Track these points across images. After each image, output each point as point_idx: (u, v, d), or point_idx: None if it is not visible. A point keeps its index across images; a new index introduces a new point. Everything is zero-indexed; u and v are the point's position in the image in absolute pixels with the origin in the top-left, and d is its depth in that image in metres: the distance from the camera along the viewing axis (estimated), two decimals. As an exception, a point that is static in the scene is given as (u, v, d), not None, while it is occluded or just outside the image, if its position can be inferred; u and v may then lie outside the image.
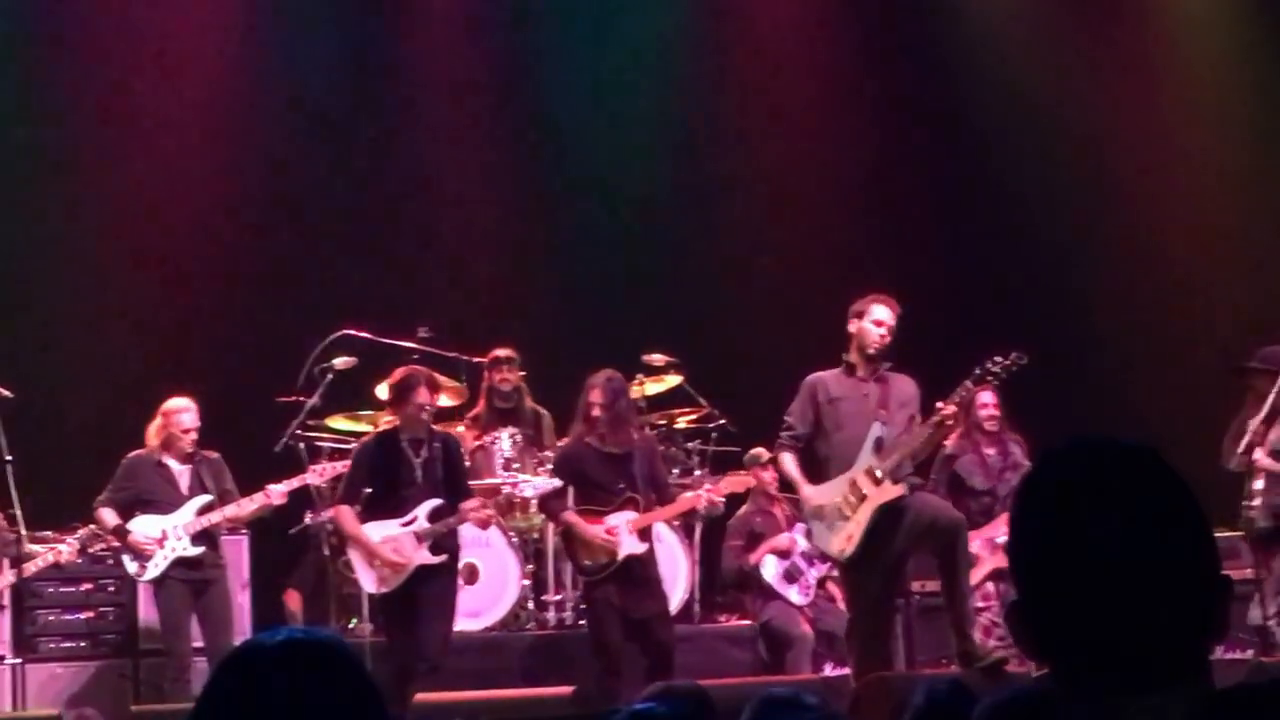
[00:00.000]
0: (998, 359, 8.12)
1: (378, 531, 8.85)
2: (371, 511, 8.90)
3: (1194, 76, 13.11)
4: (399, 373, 9.19)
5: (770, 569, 10.36)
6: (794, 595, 10.33)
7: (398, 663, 8.58)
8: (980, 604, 9.75)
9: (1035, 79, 12.93)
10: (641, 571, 8.93)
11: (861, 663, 8.16)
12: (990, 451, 9.92)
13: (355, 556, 8.96)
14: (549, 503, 9.29)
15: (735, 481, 10.00)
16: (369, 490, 8.86)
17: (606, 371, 9.13)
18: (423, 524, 8.87)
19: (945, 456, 9.85)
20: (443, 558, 8.90)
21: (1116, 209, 12.90)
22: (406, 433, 8.96)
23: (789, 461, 8.43)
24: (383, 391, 9.80)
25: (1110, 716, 1.76)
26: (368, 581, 8.94)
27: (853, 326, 8.40)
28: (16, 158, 11.88)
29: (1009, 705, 2.72)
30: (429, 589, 8.86)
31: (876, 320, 8.31)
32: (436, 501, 8.96)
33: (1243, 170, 12.86)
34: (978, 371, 8.17)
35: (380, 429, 9.43)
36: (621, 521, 8.87)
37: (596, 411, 8.92)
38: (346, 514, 8.96)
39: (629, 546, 8.86)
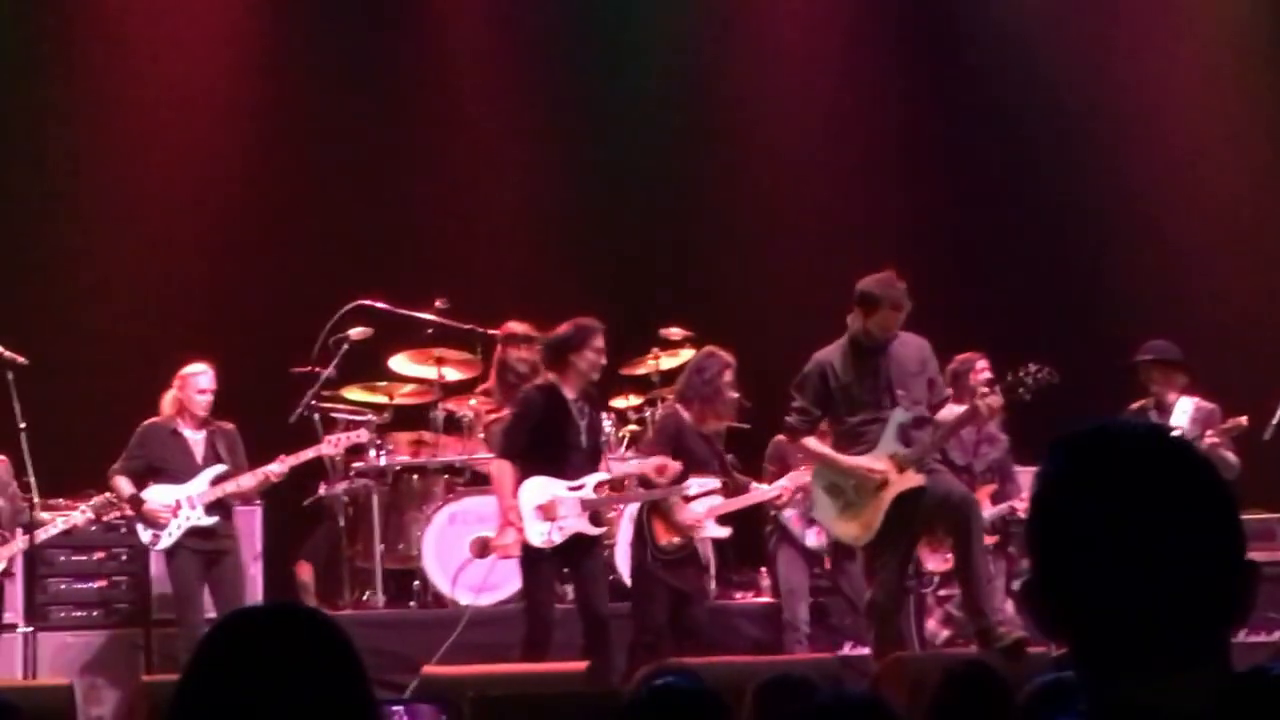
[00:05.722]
0: (1031, 367, 8.11)
1: (543, 490, 8.58)
2: (534, 465, 8.60)
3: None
4: (569, 326, 8.72)
5: (789, 509, 10.05)
6: (809, 539, 9.93)
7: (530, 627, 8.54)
8: (945, 591, 9.65)
9: (1068, 59, 12.73)
10: (702, 551, 9.12)
11: (880, 642, 8.17)
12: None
13: (527, 507, 8.53)
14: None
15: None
16: (531, 443, 8.56)
17: (718, 351, 9.16)
18: (589, 494, 8.66)
19: None
20: (601, 530, 8.83)
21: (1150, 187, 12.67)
22: (571, 390, 8.67)
23: (814, 444, 8.36)
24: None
25: (1125, 700, 1.72)
26: (535, 534, 8.54)
27: (857, 322, 8.20)
28: (30, 121, 11.85)
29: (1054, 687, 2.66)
30: (594, 561, 8.81)
31: (885, 325, 8.15)
32: (605, 475, 8.89)
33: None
34: (1009, 379, 8.20)
35: (542, 381, 8.85)
36: (704, 510, 9.02)
37: (733, 393, 9.02)
38: (506, 470, 8.61)
39: (710, 531, 9.08)
